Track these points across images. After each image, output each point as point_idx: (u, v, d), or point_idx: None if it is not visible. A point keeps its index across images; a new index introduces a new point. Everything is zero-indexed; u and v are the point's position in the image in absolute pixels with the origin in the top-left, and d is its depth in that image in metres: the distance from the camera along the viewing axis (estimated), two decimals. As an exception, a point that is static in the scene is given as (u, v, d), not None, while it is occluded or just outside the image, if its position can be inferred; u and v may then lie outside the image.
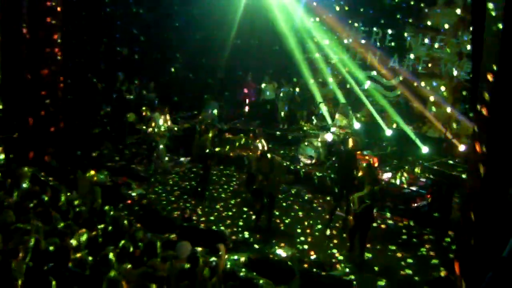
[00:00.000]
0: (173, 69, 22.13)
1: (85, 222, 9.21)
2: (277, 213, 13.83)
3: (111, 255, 7.59)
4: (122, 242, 8.35)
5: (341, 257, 11.60)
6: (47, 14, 15.03)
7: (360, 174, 11.88)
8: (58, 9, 15.22)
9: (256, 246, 11.83)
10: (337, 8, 20.00)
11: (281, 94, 20.18)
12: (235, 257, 10.25)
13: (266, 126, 19.83)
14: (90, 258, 7.67)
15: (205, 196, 14.80)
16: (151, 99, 19.70)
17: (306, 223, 13.49)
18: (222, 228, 12.72)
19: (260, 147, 14.33)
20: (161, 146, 16.54)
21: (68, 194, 11.33)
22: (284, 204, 14.65)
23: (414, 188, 14.06)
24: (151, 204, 14.03)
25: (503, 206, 8.03)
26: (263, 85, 20.58)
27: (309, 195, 15.37)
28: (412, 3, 18.33)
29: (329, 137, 16.45)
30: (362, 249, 11.44)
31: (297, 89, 20.64)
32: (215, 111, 18.93)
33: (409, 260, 11.70)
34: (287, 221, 13.59)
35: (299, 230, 13.04)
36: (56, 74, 15.50)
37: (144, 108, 17.38)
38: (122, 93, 19.32)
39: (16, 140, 14.93)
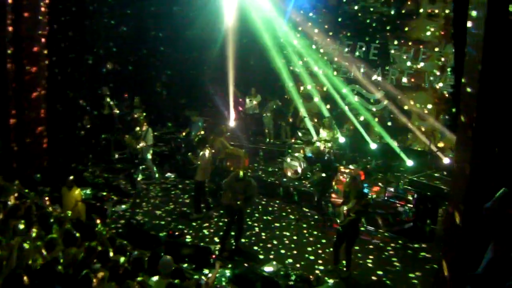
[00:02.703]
0: (157, 84, 22.07)
1: (69, 238, 9.12)
2: (257, 228, 13.95)
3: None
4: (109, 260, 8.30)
5: (327, 271, 11.58)
6: (32, 30, 15.09)
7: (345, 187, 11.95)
8: (44, 21, 15.35)
9: (241, 261, 11.79)
10: (321, 23, 20.13)
11: (267, 109, 20.18)
12: (221, 272, 10.23)
13: (252, 140, 19.93)
14: (74, 275, 7.59)
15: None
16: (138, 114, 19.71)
17: (291, 237, 13.48)
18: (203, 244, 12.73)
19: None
20: (149, 157, 16.65)
21: (53, 210, 11.26)
22: (268, 219, 14.69)
23: (399, 201, 14.06)
24: (136, 220, 13.95)
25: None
26: (247, 99, 20.57)
27: (294, 209, 15.40)
28: (395, 16, 18.47)
29: (312, 152, 16.61)
30: (348, 263, 11.45)
31: (282, 104, 20.71)
32: (200, 125, 18.90)
33: (395, 274, 11.72)
34: (271, 236, 13.56)
35: (284, 245, 13.03)
36: (40, 89, 15.49)
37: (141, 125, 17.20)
38: (107, 108, 19.31)
39: (0, 156, 14.86)
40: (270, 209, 15.38)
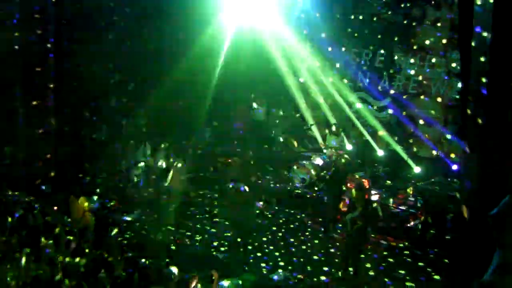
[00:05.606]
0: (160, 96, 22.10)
1: (77, 248, 9.14)
2: (264, 236, 13.86)
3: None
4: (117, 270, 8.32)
5: (335, 278, 11.55)
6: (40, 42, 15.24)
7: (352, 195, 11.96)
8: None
9: (250, 270, 11.77)
10: (327, 30, 20.12)
11: (275, 117, 20.13)
12: (229, 282, 10.20)
13: (258, 148, 19.90)
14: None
15: None
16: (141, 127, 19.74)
17: (297, 245, 13.46)
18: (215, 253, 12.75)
19: None
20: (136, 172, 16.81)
21: (61, 220, 11.30)
22: (275, 226, 14.66)
23: (406, 208, 14.02)
24: (144, 229, 13.95)
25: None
26: (254, 106, 20.53)
27: (302, 217, 15.37)
28: (400, 24, 18.44)
29: (320, 160, 16.59)
30: (355, 270, 11.42)
31: (290, 111, 20.68)
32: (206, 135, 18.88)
33: (402, 281, 11.66)
34: (278, 243, 13.54)
35: (291, 253, 13.01)
36: (48, 101, 15.59)
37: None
38: (114, 119, 19.38)
39: (9, 167, 14.94)
40: (277, 216, 15.36)
